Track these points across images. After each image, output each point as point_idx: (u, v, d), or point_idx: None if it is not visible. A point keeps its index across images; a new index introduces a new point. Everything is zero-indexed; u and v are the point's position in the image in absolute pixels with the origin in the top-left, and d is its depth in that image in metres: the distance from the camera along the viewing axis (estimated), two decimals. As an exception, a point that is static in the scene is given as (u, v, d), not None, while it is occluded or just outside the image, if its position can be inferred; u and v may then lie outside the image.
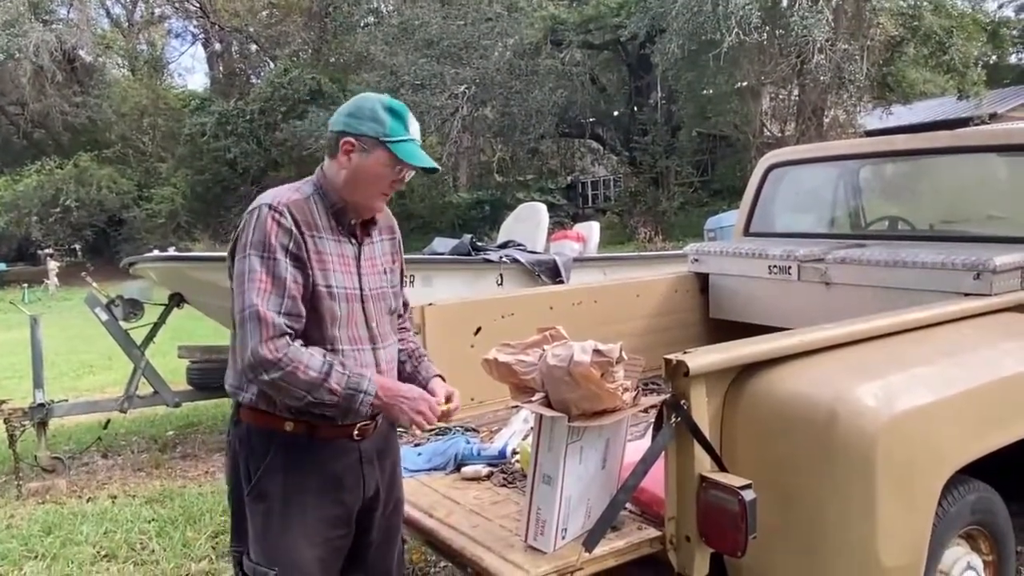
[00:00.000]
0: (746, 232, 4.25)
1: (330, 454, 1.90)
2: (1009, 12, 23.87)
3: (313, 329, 1.83)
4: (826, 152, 4.26)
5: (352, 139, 1.87)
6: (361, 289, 1.92)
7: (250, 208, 1.85)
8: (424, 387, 2.03)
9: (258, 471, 1.87)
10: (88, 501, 4.49)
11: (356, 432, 1.91)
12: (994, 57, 22.22)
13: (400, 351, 2.11)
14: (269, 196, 1.86)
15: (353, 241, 1.93)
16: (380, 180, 1.89)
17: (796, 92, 17.36)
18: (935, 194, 3.86)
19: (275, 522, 1.86)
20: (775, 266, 3.66)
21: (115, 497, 4.54)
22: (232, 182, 24.91)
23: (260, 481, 1.87)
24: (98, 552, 3.73)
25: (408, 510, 2.23)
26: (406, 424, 1.89)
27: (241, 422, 1.92)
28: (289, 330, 1.77)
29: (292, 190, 1.89)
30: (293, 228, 1.81)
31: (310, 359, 1.76)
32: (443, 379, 2.12)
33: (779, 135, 17.93)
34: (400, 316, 2.15)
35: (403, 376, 2.09)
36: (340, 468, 1.91)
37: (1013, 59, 24.89)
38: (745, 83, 17.71)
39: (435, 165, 1.94)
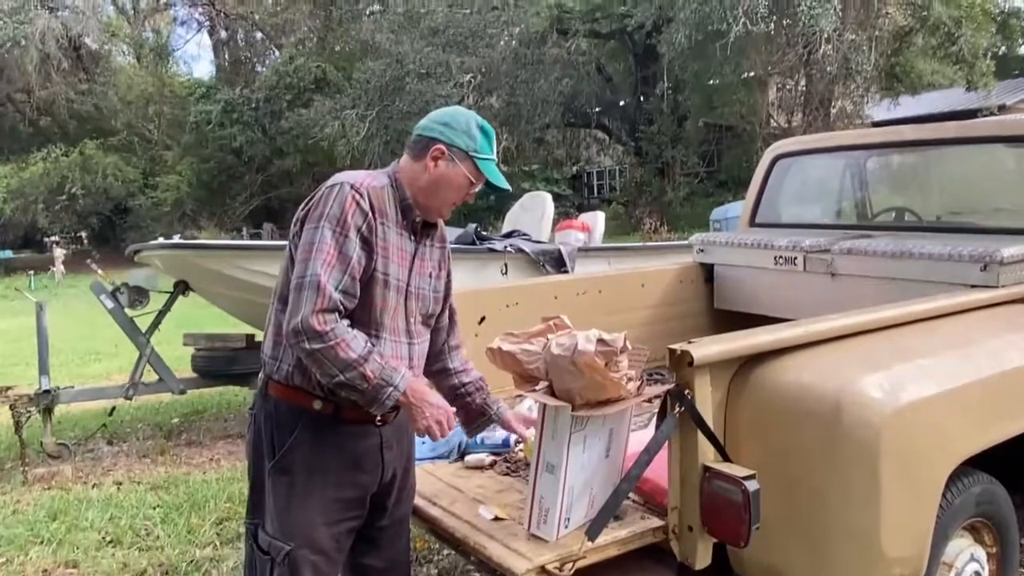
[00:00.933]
0: (751, 223, 4.23)
1: (353, 437, 1.95)
2: (1019, 2, 23.70)
3: (361, 312, 1.89)
4: (833, 142, 4.23)
5: (443, 147, 1.96)
6: (408, 284, 1.99)
7: (330, 183, 1.91)
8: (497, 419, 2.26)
9: (283, 446, 1.91)
10: (93, 487, 4.52)
11: (379, 417, 1.95)
12: (1003, 48, 22.09)
13: (467, 383, 2.23)
14: (350, 177, 1.92)
15: (413, 238, 2.00)
16: (458, 191, 2.00)
17: (803, 82, 17.28)
18: (942, 185, 3.84)
19: (296, 497, 1.91)
20: (781, 257, 3.64)
21: (120, 483, 4.56)
22: (237, 170, 24.90)
23: (285, 456, 1.91)
24: (103, 538, 3.75)
25: (411, 498, 2.24)
26: (421, 428, 1.93)
27: (270, 396, 1.96)
28: (341, 307, 1.82)
29: (370, 177, 1.95)
30: (369, 212, 1.88)
31: (353, 340, 1.81)
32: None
33: (786, 126, 17.86)
34: (447, 328, 2.23)
35: (471, 408, 2.24)
36: (361, 451, 1.97)
37: (1023, 50, 24.71)
38: (752, 73, 17.64)
39: (508, 187, 2.06)
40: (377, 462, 1.99)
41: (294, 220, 1.96)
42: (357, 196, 1.87)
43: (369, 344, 1.85)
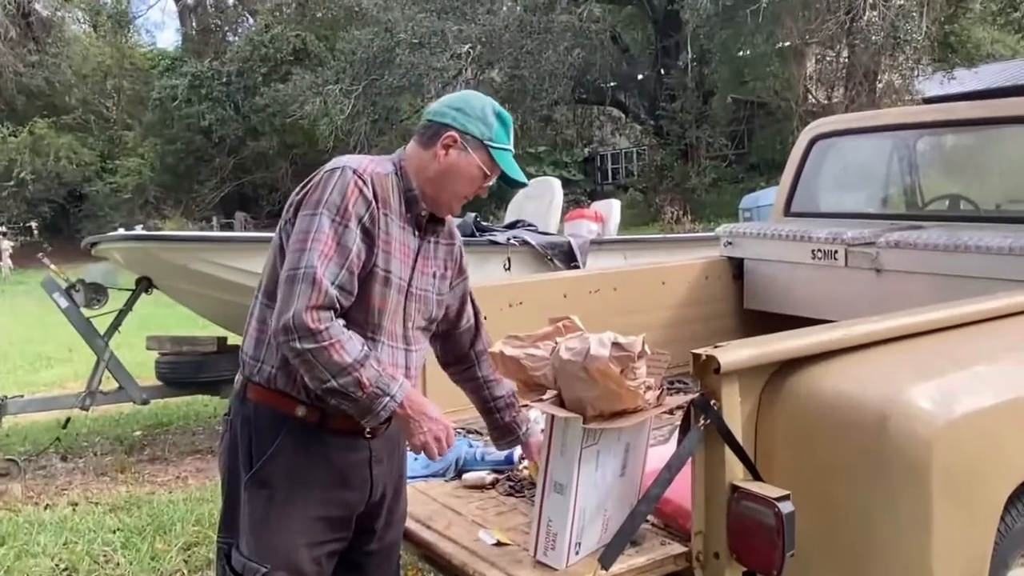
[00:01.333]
0: (786, 212, 4.24)
1: (339, 448, 1.96)
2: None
3: (357, 312, 1.89)
4: (878, 121, 4.24)
5: (456, 134, 1.97)
6: (410, 284, 1.99)
7: (329, 167, 1.92)
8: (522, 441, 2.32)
9: (262, 456, 1.92)
10: (46, 508, 4.53)
11: (368, 429, 1.96)
12: (1072, 14, 22.00)
13: (499, 397, 2.27)
14: (353, 161, 1.93)
15: (417, 233, 2.01)
16: (470, 182, 2.01)
17: (845, 53, 17.29)
18: (1002, 169, 3.84)
19: (274, 513, 1.91)
20: (819, 250, 3.65)
21: (76, 504, 4.58)
22: (206, 152, 24.96)
23: (264, 467, 1.92)
24: (57, 565, 3.76)
25: (403, 520, 2.25)
26: (417, 444, 1.94)
27: (248, 400, 1.97)
28: (337, 304, 1.83)
29: (374, 163, 1.96)
30: (373, 201, 1.89)
31: (349, 342, 1.81)
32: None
33: (825, 102, 17.87)
34: (472, 330, 2.28)
35: (500, 425, 2.29)
36: (348, 465, 1.97)
37: (1094, 17, 24.64)
38: (787, 43, 17.62)
39: (526, 181, 2.08)
40: (365, 478, 2.00)
41: (287, 206, 1.97)
42: (360, 182, 1.87)
43: (366, 348, 1.85)
